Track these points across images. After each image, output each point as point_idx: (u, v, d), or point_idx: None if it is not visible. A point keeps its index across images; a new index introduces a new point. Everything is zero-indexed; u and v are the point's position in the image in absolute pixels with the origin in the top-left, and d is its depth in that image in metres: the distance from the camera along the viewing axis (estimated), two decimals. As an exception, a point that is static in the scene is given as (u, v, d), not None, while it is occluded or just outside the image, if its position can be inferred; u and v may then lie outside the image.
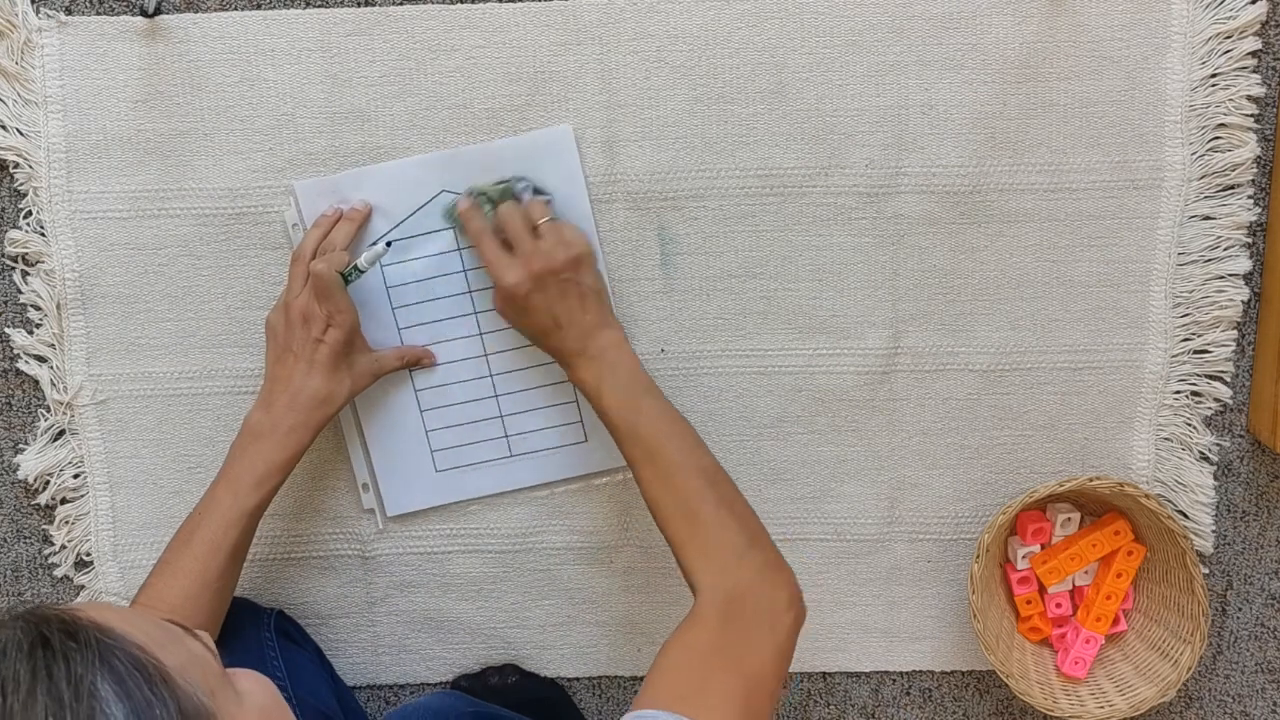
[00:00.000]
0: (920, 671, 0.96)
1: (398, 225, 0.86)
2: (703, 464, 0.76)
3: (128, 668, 0.47)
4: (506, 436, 0.91)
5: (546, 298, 0.79)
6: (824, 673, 0.96)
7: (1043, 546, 0.92)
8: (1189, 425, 0.90)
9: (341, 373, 0.83)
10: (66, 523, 0.92)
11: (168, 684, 0.48)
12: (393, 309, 0.88)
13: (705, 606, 0.71)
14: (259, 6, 0.86)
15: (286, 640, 0.87)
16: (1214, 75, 0.85)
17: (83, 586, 0.94)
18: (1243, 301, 0.87)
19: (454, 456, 0.91)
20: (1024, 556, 0.91)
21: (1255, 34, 0.84)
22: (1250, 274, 0.87)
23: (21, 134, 0.87)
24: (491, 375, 0.89)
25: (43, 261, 0.88)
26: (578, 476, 0.92)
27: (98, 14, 0.86)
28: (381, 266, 0.86)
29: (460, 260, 0.87)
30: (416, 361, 0.88)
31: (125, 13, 0.86)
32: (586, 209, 0.86)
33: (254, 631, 0.84)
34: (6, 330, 0.90)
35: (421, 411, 0.90)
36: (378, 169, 0.86)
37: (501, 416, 0.90)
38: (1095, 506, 0.92)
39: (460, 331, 0.88)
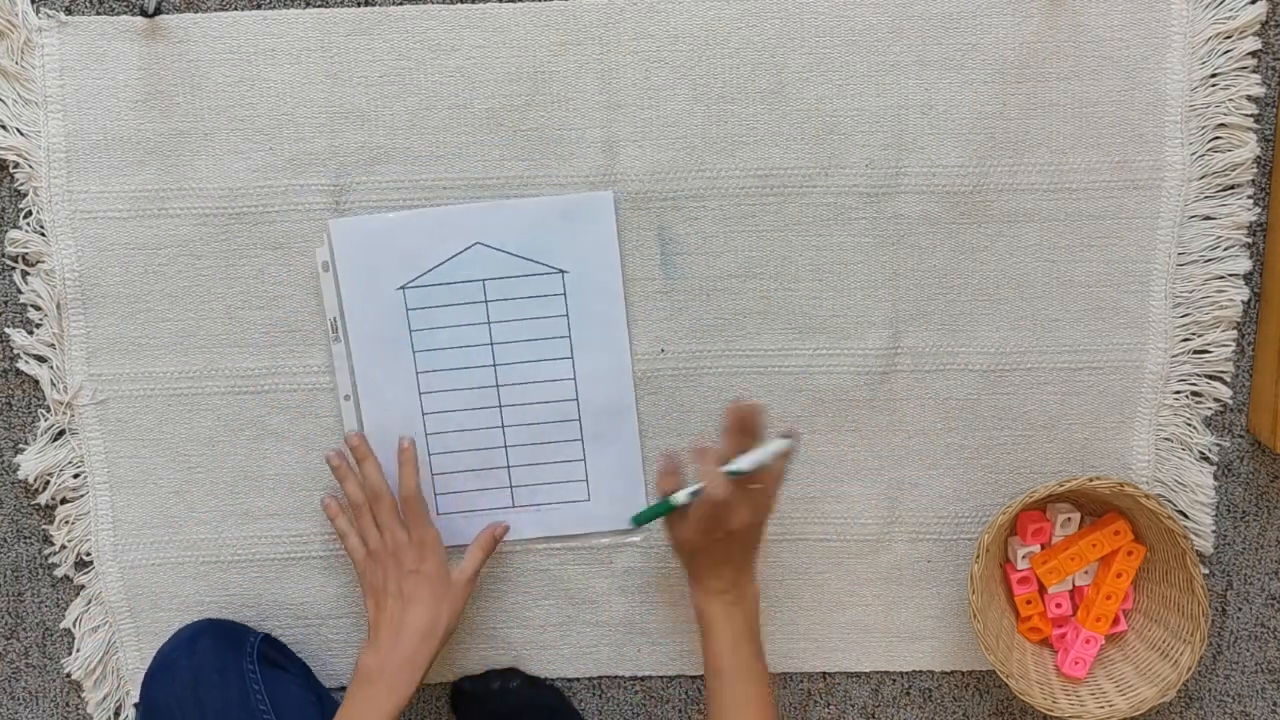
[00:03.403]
0: (920, 671, 0.96)
1: (428, 271, 0.87)
2: None
3: None
4: (511, 487, 0.91)
5: (748, 538, 0.81)
6: (824, 673, 0.96)
7: (1043, 546, 0.92)
8: (1189, 425, 0.90)
9: (440, 599, 0.84)
10: (66, 523, 0.92)
11: None
12: (414, 352, 0.89)
13: None
14: (259, 6, 0.86)
15: (271, 667, 0.86)
16: (1214, 75, 0.85)
17: (83, 586, 0.94)
18: (1243, 301, 0.87)
19: (457, 501, 0.92)
20: (1024, 556, 0.91)
21: (1255, 34, 0.84)
22: (1250, 274, 0.87)
23: (21, 134, 0.87)
24: (504, 426, 0.90)
25: (43, 261, 0.88)
26: (578, 535, 0.92)
27: (98, 14, 0.86)
28: (407, 310, 0.87)
29: (485, 312, 0.88)
30: (493, 542, 0.90)
31: (125, 13, 0.86)
32: (617, 273, 0.87)
33: (235, 663, 0.84)
34: (6, 330, 0.90)
35: (430, 455, 0.91)
36: (414, 215, 0.87)
37: (509, 467, 0.91)
38: (1095, 506, 0.92)
39: (478, 381, 0.89)
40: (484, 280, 0.87)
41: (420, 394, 0.90)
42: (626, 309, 0.89)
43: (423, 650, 0.83)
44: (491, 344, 0.88)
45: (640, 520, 0.83)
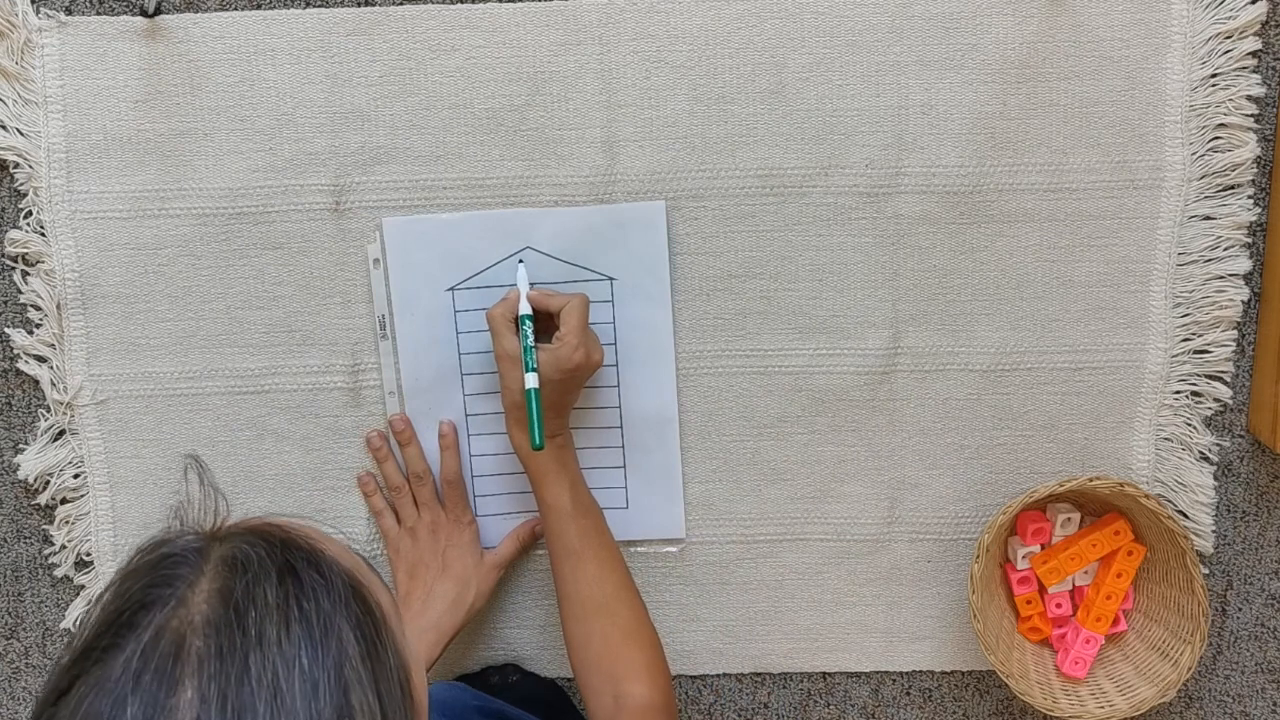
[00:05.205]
0: (920, 671, 0.96)
1: (477, 274, 0.87)
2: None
3: (362, 613, 0.49)
4: None
5: (578, 381, 0.84)
6: (824, 673, 0.96)
7: (1043, 546, 0.92)
8: (1189, 425, 0.90)
9: (471, 573, 0.88)
10: (66, 523, 0.92)
11: (391, 635, 0.49)
12: (460, 354, 0.89)
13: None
14: (259, 6, 0.86)
15: None
16: (1214, 75, 0.85)
17: (83, 586, 0.94)
18: (1243, 301, 0.87)
19: (494, 504, 0.92)
20: (1024, 556, 0.91)
21: (1255, 34, 0.84)
22: (1250, 274, 0.87)
23: (21, 134, 0.87)
24: None
25: (43, 261, 0.88)
26: (616, 542, 0.92)
27: (98, 14, 0.86)
28: (455, 312, 0.88)
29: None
30: (531, 536, 0.92)
31: (125, 13, 0.86)
32: (666, 283, 0.87)
33: None
34: (6, 330, 0.90)
35: (471, 457, 0.91)
36: (466, 216, 0.87)
37: None
38: (1095, 506, 0.92)
39: None
40: (532, 284, 0.87)
41: (465, 395, 0.90)
42: (674, 319, 0.89)
43: (448, 618, 0.86)
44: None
45: (540, 434, 0.80)
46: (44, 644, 0.96)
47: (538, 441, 0.79)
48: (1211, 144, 0.86)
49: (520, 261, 0.87)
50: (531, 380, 0.80)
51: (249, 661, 0.45)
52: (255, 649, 0.45)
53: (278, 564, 0.48)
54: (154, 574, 0.49)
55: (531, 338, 0.81)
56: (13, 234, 0.88)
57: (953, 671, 0.96)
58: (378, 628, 0.49)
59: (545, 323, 0.84)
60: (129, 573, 0.50)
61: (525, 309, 0.82)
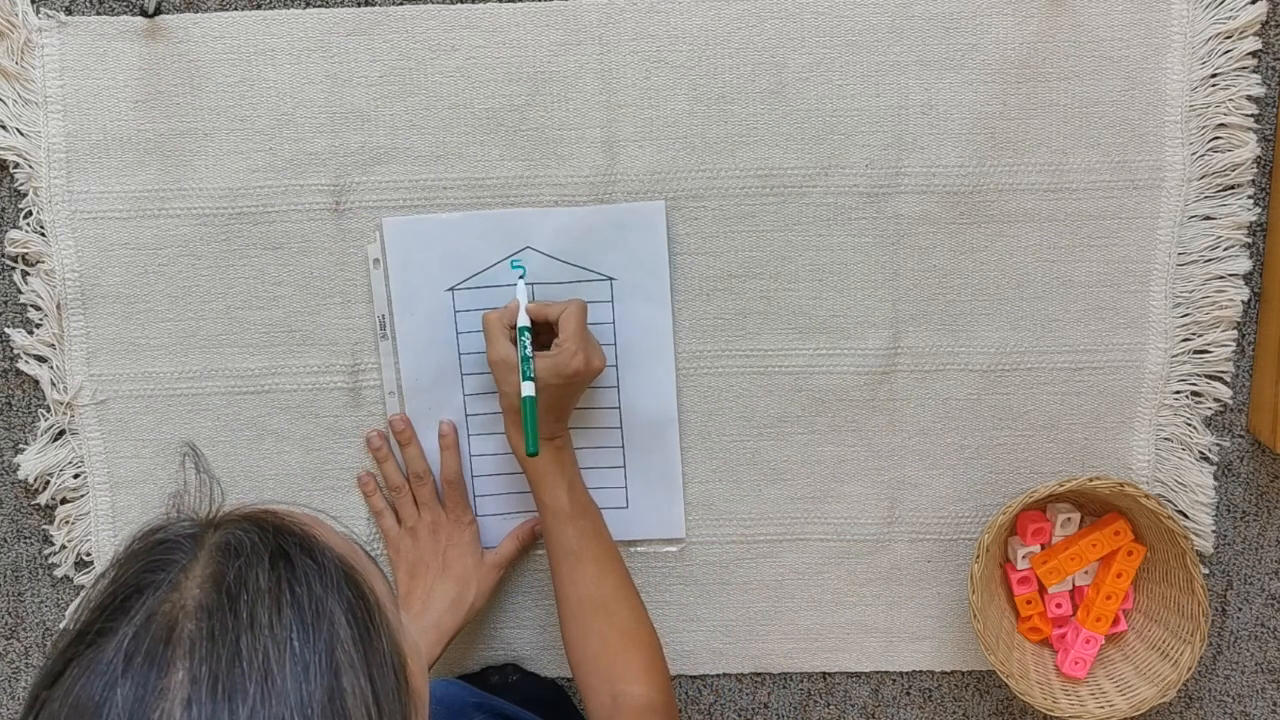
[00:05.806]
0: (920, 671, 0.96)
1: (477, 274, 0.87)
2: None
3: (355, 597, 0.49)
4: None
5: (581, 385, 0.84)
6: (824, 673, 0.96)
7: (1043, 546, 0.92)
8: (1189, 425, 0.90)
9: (471, 572, 0.88)
10: (66, 523, 0.92)
11: (384, 617, 0.50)
12: (459, 354, 0.89)
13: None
14: (259, 6, 0.86)
15: None
16: (1214, 75, 0.85)
17: (82, 586, 0.94)
18: (1243, 301, 0.87)
19: (494, 504, 0.92)
20: (1024, 556, 0.91)
21: (1255, 34, 0.84)
22: (1250, 274, 0.87)
23: (21, 134, 0.87)
24: None
25: (43, 261, 0.88)
26: (616, 542, 0.92)
27: (98, 14, 0.86)
28: (455, 312, 0.88)
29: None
30: (530, 536, 0.92)
31: (125, 13, 0.86)
32: (665, 283, 0.87)
33: None
34: (6, 330, 0.90)
35: (471, 456, 0.91)
36: (465, 216, 0.87)
37: None
38: (1095, 506, 0.92)
39: None
40: (532, 285, 0.87)
41: (465, 395, 0.90)
42: (674, 319, 0.89)
43: (449, 618, 0.86)
44: None
45: (535, 441, 0.80)
46: (44, 644, 0.96)
47: (532, 448, 0.80)
48: (1211, 144, 0.86)
49: (520, 278, 0.87)
50: (527, 389, 0.80)
51: (240, 644, 0.45)
52: (247, 631, 0.45)
53: (270, 549, 0.48)
54: (148, 559, 0.49)
55: (529, 349, 0.81)
56: (13, 234, 0.88)
57: (953, 671, 0.96)
58: (371, 613, 0.49)
59: (546, 335, 0.84)
60: (124, 559, 0.50)
61: (524, 321, 0.82)
